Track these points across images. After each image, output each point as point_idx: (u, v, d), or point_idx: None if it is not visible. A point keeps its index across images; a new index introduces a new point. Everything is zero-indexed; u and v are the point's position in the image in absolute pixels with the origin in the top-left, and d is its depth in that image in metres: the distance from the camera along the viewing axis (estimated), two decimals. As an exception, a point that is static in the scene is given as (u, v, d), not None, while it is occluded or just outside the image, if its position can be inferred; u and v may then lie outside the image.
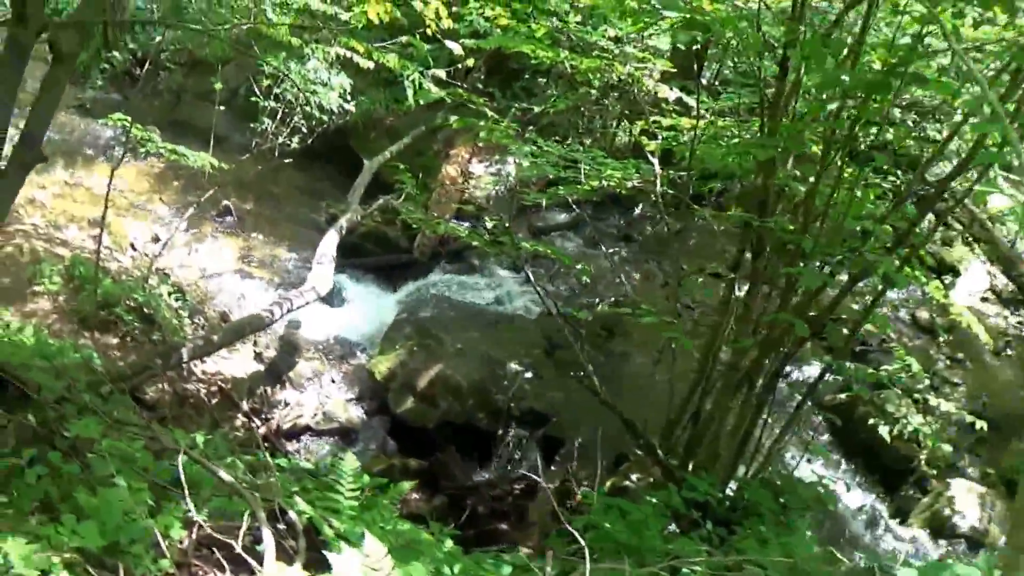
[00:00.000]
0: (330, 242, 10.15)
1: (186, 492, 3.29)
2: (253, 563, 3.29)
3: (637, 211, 13.05)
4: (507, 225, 6.43)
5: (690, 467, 5.68)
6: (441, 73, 7.83)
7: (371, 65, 8.32)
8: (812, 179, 5.13)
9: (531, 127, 13.90)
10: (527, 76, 14.49)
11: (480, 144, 13.53)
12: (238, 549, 3.41)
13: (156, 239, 11.19)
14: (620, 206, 12.97)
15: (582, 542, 3.46)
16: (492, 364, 8.97)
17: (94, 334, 8.36)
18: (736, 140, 6.96)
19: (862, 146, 5.70)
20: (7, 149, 4.86)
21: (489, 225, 7.82)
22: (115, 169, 8.33)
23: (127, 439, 4.12)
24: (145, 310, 8.73)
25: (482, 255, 11.53)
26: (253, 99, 10.35)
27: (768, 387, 5.44)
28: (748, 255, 5.57)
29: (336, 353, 10.05)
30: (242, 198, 13.01)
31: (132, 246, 10.89)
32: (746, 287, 5.75)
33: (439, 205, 11.94)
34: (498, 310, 10.44)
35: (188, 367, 8.40)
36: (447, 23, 7.31)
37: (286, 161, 10.86)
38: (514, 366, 8.94)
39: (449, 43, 7.18)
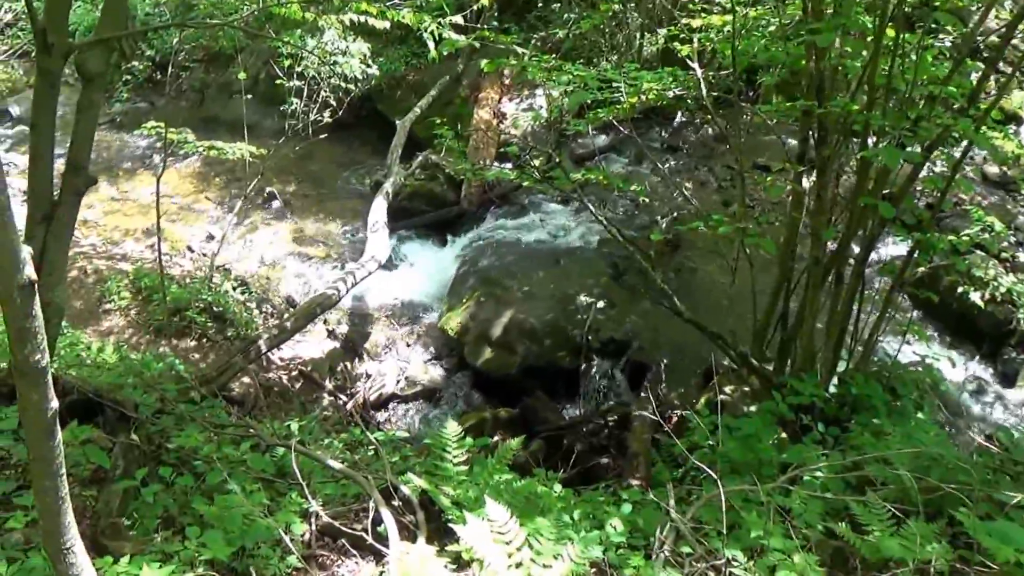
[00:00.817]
0: (379, 209, 10.06)
1: (304, 486, 3.24)
2: (377, 545, 3.26)
3: (677, 120, 12.72)
4: (558, 160, 6.24)
5: (788, 371, 5.53)
6: (458, 19, 7.56)
7: (387, 25, 8.10)
8: (866, 53, 4.85)
9: (554, 55, 13.63)
10: (540, 4, 14.15)
11: (507, 83, 13.29)
12: (359, 533, 3.38)
13: (211, 237, 11.23)
14: (659, 118, 12.67)
15: (706, 469, 3.34)
16: (562, 301, 8.86)
17: (171, 341, 8.45)
18: (772, 27, 6.67)
19: (908, 8, 5.38)
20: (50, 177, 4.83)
21: (536, 162, 7.62)
22: (160, 177, 8.29)
23: (228, 442, 4.11)
24: (215, 309, 8.79)
25: (530, 193, 11.35)
26: (277, 82, 10.21)
27: (857, 275, 5.24)
28: (811, 144, 5.32)
29: (406, 317, 10.03)
30: (284, 182, 12.99)
31: (189, 248, 10.94)
32: (813, 177, 5.51)
33: (478, 152, 11.76)
34: (557, 246, 10.28)
35: (267, 357, 8.44)
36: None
37: (321, 137, 10.73)
38: (585, 299, 8.81)
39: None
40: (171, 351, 8.17)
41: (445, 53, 8.61)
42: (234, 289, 9.55)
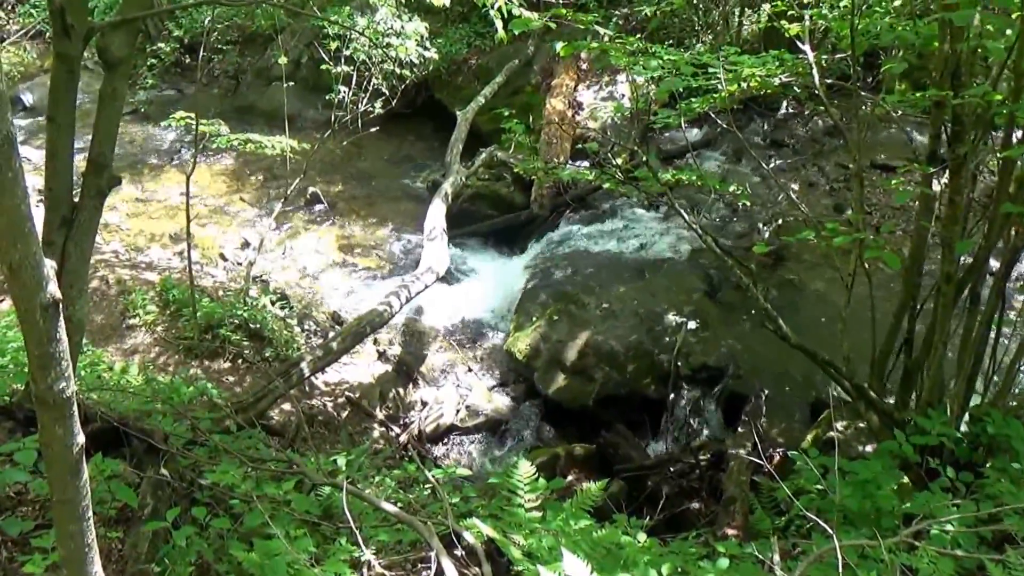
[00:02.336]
0: (437, 213, 10.18)
1: (355, 531, 3.30)
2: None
3: (782, 111, 12.64)
4: (644, 158, 6.26)
5: (912, 406, 5.45)
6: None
7: (446, 2, 8.22)
8: (1011, 32, 4.78)
9: (639, 36, 13.65)
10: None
11: (584, 68, 13.35)
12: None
13: (246, 244, 11.48)
14: (762, 109, 12.62)
15: (814, 518, 3.32)
16: (649, 320, 8.86)
17: (202, 362, 8.64)
18: (897, 2, 6.61)
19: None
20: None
21: (618, 161, 7.65)
22: (190, 175, 8.52)
23: (269, 478, 4.20)
24: (251, 326, 8.97)
25: (611, 197, 11.38)
26: (323, 67, 10.40)
27: (996, 294, 5.15)
28: (943, 141, 5.25)
29: (466, 336, 10.12)
30: (329, 181, 13.24)
31: (222, 256, 11.20)
32: (945, 179, 5.43)
33: (550, 147, 11.83)
34: (642, 256, 10.29)
35: (310, 382, 8.59)
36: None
37: (372, 131, 10.90)
38: (674, 318, 8.80)
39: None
40: (202, 373, 8.36)
41: (516, 33, 8.71)
42: (272, 303, 9.74)
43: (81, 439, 2.25)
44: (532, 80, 13.56)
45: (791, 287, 9.37)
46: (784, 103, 12.63)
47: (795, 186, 11.12)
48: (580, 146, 11.73)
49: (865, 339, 6.03)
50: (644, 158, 6.31)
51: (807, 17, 6.36)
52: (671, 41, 13.27)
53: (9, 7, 17.59)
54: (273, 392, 6.87)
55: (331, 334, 9.85)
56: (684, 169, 7.16)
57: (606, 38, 6.44)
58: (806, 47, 6.14)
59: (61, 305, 2.17)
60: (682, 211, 6.06)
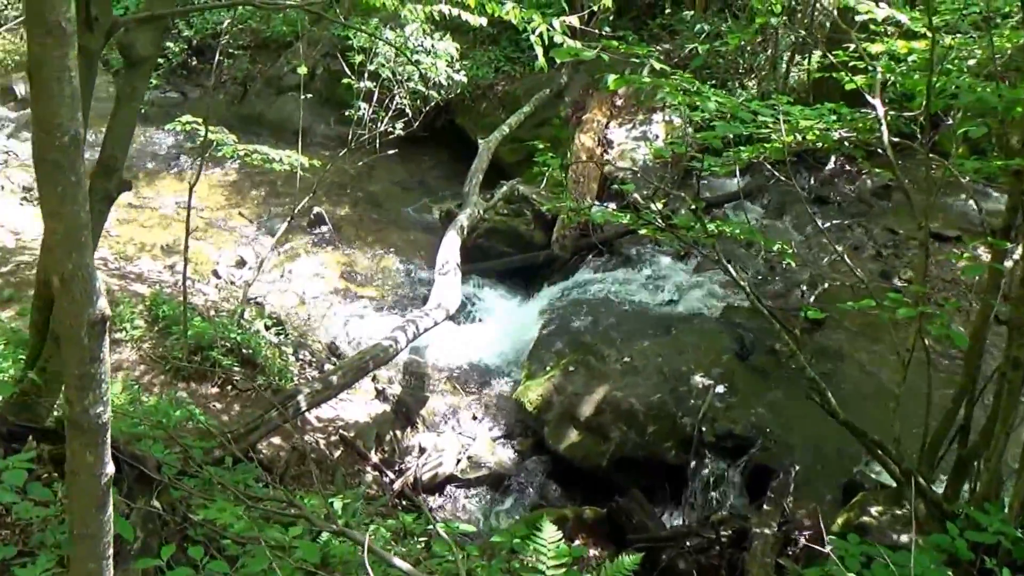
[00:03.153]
0: (451, 246, 10.16)
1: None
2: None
3: (828, 167, 12.65)
4: (692, 206, 6.24)
5: (966, 497, 5.38)
6: (573, 20, 7.61)
7: (483, 22, 8.25)
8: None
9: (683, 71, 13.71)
10: (667, 11, 14.28)
11: (618, 104, 13.39)
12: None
13: (241, 262, 11.46)
14: (810, 161, 12.63)
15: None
16: (673, 380, 8.80)
17: (189, 384, 8.58)
18: (973, 60, 6.60)
19: None
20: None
21: (658, 205, 7.64)
22: (193, 185, 8.50)
23: (265, 519, 4.14)
24: (244, 351, 8.92)
25: (637, 243, 11.36)
26: (343, 81, 10.43)
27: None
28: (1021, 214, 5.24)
29: (473, 381, 10.07)
30: (335, 202, 13.24)
31: (215, 273, 11.17)
32: (1017, 255, 5.41)
33: (577, 185, 11.84)
34: (669, 310, 10.26)
35: (303, 416, 8.53)
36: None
37: (388, 152, 10.91)
38: (701, 380, 8.73)
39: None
40: (188, 396, 8.30)
41: (556, 63, 8.72)
42: (267, 328, 9.69)
43: (111, 468, 2.20)
44: (561, 113, 13.60)
45: (830, 356, 9.29)
46: (832, 158, 12.64)
47: (839, 247, 11.08)
48: (613, 186, 11.71)
49: (914, 420, 5.99)
50: (692, 206, 6.28)
51: (878, 70, 6.35)
52: (714, 82, 13.32)
53: (9, -8, 17.72)
54: (266, 424, 6.81)
55: (328, 366, 9.80)
56: (727, 220, 7.13)
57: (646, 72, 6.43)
58: (876, 101, 6.14)
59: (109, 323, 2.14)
60: (730, 269, 6.03)
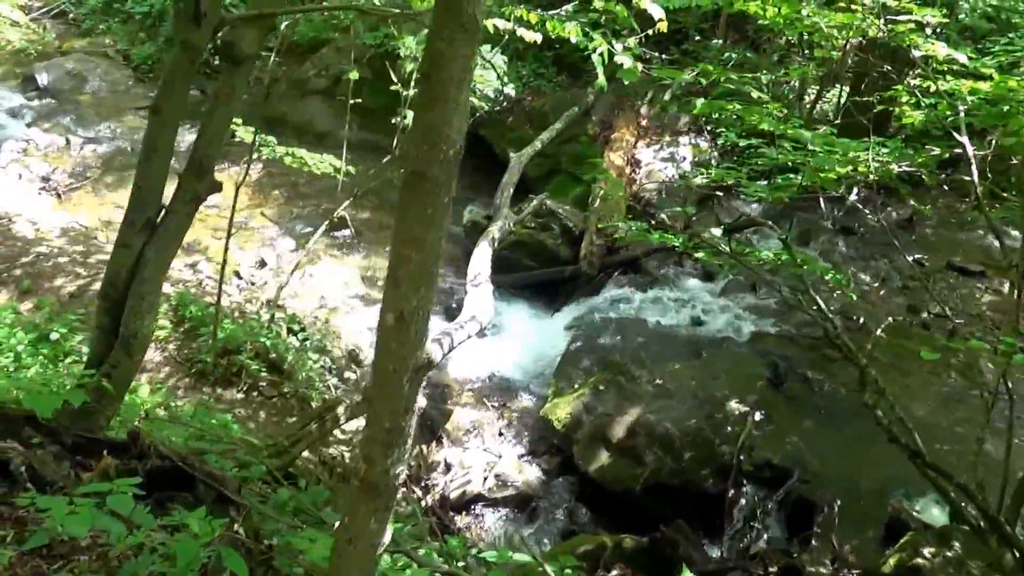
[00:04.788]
0: (483, 258, 9.75)
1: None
2: None
3: (853, 196, 12.30)
4: (781, 234, 5.87)
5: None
6: (631, 42, 7.20)
7: (538, 38, 7.92)
8: None
9: (702, 98, 13.36)
10: (697, 38, 13.94)
11: (645, 124, 13.05)
12: None
13: (263, 263, 11.03)
14: (829, 191, 12.28)
15: None
16: (707, 405, 8.41)
17: (215, 389, 8.16)
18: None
19: None
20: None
21: (718, 232, 7.27)
22: (240, 185, 8.11)
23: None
24: (271, 356, 8.49)
25: (664, 263, 11.00)
26: (392, 88, 10.02)
27: None
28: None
29: (496, 395, 9.66)
30: (356, 205, 12.77)
31: (237, 274, 10.73)
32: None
33: (605, 202, 11.45)
34: (698, 332, 9.88)
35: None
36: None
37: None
38: (737, 406, 8.35)
39: (650, 7, 6.58)
40: (214, 401, 7.88)
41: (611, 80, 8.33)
42: (291, 333, 9.25)
43: (388, 537, 1.81)
44: (589, 130, 13.23)
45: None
46: (855, 188, 12.30)
47: (865, 277, 10.75)
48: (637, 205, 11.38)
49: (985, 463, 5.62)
50: (784, 238, 5.92)
51: (960, 111, 5.99)
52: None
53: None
54: (308, 437, 6.39)
55: (348, 374, 9.42)
56: (783, 251, 6.77)
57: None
58: (963, 139, 5.81)
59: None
60: (820, 302, 5.66)
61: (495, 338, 10.41)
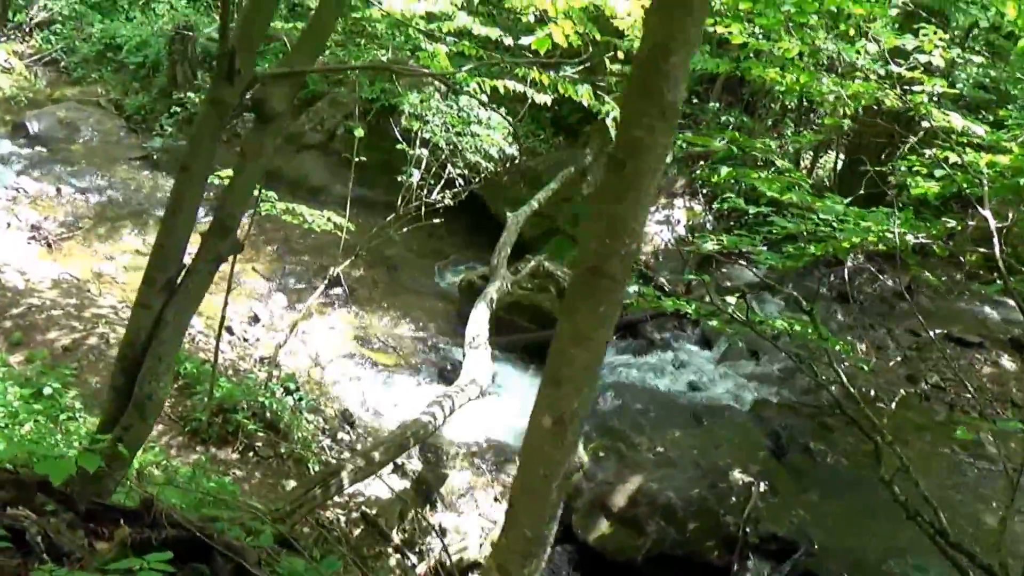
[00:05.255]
0: (481, 319, 9.64)
1: None
2: None
3: (849, 263, 12.30)
4: (808, 305, 5.80)
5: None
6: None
7: (547, 100, 7.93)
8: None
9: (702, 163, 13.42)
10: (694, 100, 14.00)
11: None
12: None
13: (255, 319, 10.89)
14: (825, 258, 12.29)
15: None
16: (711, 474, 8.28)
17: (208, 448, 7.98)
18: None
19: None
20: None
21: (731, 300, 7.21)
22: (243, 241, 7.94)
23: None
24: (267, 415, 8.33)
25: (662, 328, 10.93)
26: (398, 147, 9.97)
27: None
28: None
29: (491, 460, 9.52)
30: (350, 263, 12.70)
31: (229, 330, 10.55)
32: None
33: (602, 265, 11.39)
34: (697, 399, 9.79)
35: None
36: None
37: (435, 221, 10.47)
38: (740, 477, 8.22)
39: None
40: (209, 461, 7.70)
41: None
42: (286, 393, 9.09)
43: None
44: (584, 191, 13.21)
45: (865, 460, 8.82)
46: (850, 256, 12.32)
47: (861, 346, 10.71)
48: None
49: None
50: (809, 309, 5.86)
51: (984, 183, 5.98)
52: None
53: (27, 30, 17.20)
54: (310, 502, 6.23)
55: (341, 434, 9.27)
56: (798, 320, 6.73)
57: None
58: (986, 212, 5.78)
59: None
60: (841, 374, 5.59)
61: (491, 401, 10.26)
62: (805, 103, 13.03)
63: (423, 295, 12.44)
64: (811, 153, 13.53)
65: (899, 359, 10.71)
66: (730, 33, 7.27)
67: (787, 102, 13.57)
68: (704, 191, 12.99)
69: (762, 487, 8.16)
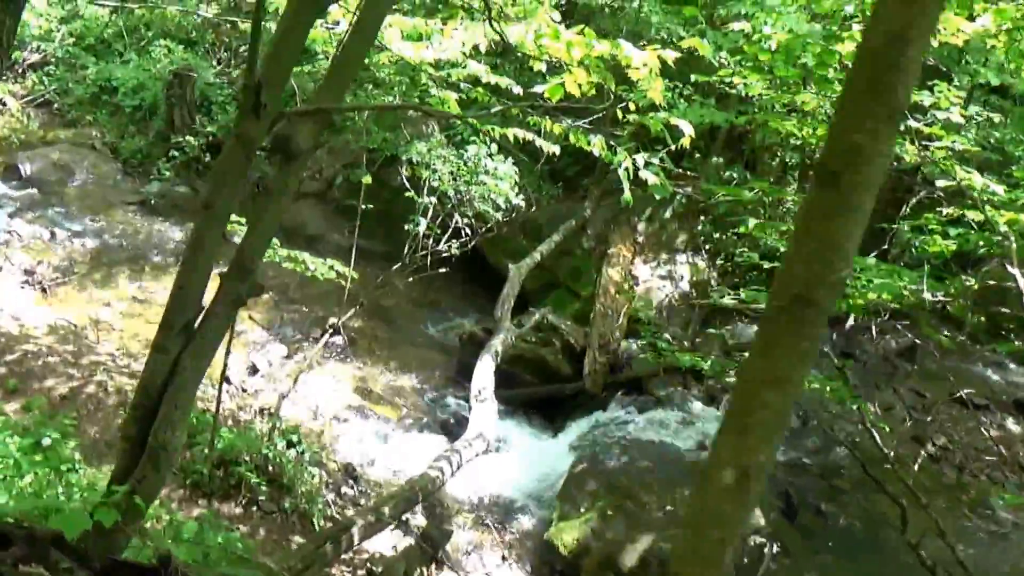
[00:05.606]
0: (485, 372, 9.55)
1: None
2: None
3: (849, 323, 12.25)
4: (840, 363, 5.70)
5: None
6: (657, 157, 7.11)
7: (555, 150, 7.85)
8: None
9: (703, 217, 13.39)
10: (696, 155, 13.99)
11: (640, 240, 13.00)
12: None
13: (254, 370, 10.70)
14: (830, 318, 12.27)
15: None
16: (723, 535, 8.13)
17: (211, 502, 7.78)
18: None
19: None
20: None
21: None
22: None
23: None
24: (270, 468, 8.14)
25: (668, 383, 10.81)
26: (407, 194, 9.89)
27: None
28: None
29: (496, 516, 9.33)
30: (349, 314, 12.58)
31: (227, 379, 10.36)
32: None
33: (606, 319, 11.30)
34: (705, 456, 9.62)
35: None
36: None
37: (442, 271, 10.38)
38: (751, 537, 8.08)
39: (680, 122, 6.53)
40: (212, 515, 7.49)
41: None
42: (289, 445, 8.90)
43: None
44: (584, 244, 13.15)
45: (876, 521, 8.70)
46: (852, 316, 12.28)
47: (872, 407, 10.61)
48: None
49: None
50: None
51: (1011, 240, 5.93)
52: (735, 230, 12.98)
53: (20, 71, 17.07)
54: (321, 559, 6.05)
55: (345, 488, 9.09)
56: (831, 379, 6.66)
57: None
58: (1015, 270, 5.72)
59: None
60: (876, 435, 5.50)
61: (493, 456, 10.11)
62: (807, 160, 13.00)
63: (423, 347, 12.30)
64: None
65: (906, 420, 10.62)
66: (746, 83, 7.26)
67: (788, 158, 13.56)
68: (707, 247, 12.92)
69: (774, 549, 8.03)
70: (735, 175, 13.25)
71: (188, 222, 14.13)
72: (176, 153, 14.59)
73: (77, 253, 12.52)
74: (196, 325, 4.22)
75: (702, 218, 13.24)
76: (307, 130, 4.08)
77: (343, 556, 7.91)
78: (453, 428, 10.44)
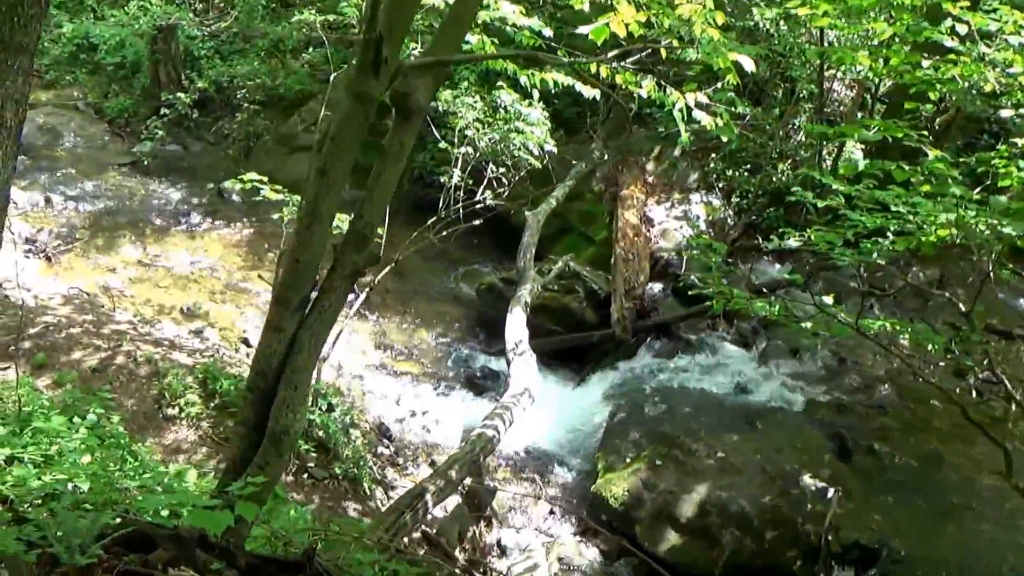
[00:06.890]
0: (518, 324, 9.33)
1: None
2: None
3: (875, 255, 12.09)
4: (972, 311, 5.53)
5: None
6: (702, 97, 6.78)
7: (596, 93, 7.57)
8: None
9: (712, 155, 13.15)
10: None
11: (651, 180, 12.77)
12: None
13: (274, 330, 10.40)
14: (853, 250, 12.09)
15: None
16: (778, 479, 8.01)
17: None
18: None
19: None
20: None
21: (827, 299, 6.94)
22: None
23: None
24: (318, 433, 7.91)
25: (698, 327, 10.64)
26: (441, 145, 9.53)
27: None
28: None
29: (534, 471, 9.18)
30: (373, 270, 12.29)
31: (245, 341, 10.11)
32: None
33: (628, 263, 11.07)
34: (746, 401, 9.50)
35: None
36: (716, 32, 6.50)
37: (474, 223, 10.09)
38: (812, 482, 7.95)
39: (742, 58, 6.23)
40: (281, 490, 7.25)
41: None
42: (329, 410, 8.65)
43: None
44: (594, 188, 12.89)
45: (926, 460, 8.58)
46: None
47: (904, 342, 10.49)
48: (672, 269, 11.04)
49: None
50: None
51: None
52: (747, 166, 12.78)
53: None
54: (403, 528, 5.85)
55: (381, 448, 8.88)
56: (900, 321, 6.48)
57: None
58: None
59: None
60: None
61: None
62: (817, 89, 12.76)
63: (437, 300, 12.05)
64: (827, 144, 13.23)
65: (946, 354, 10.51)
66: (815, 14, 7.00)
67: (800, 90, 13.30)
68: (720, 185, 12.71)
69: (839, 492, 7.90)
70: (746, 110, 13.00)
71: (183, 182, 13.77)
72: (167, 111, 14.12)
73: (76, 219, 12.14)
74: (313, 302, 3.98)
75: (712, 156, 13.01)
76: (425, 85, 3.80)
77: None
78: (479, 380, 10.25)
